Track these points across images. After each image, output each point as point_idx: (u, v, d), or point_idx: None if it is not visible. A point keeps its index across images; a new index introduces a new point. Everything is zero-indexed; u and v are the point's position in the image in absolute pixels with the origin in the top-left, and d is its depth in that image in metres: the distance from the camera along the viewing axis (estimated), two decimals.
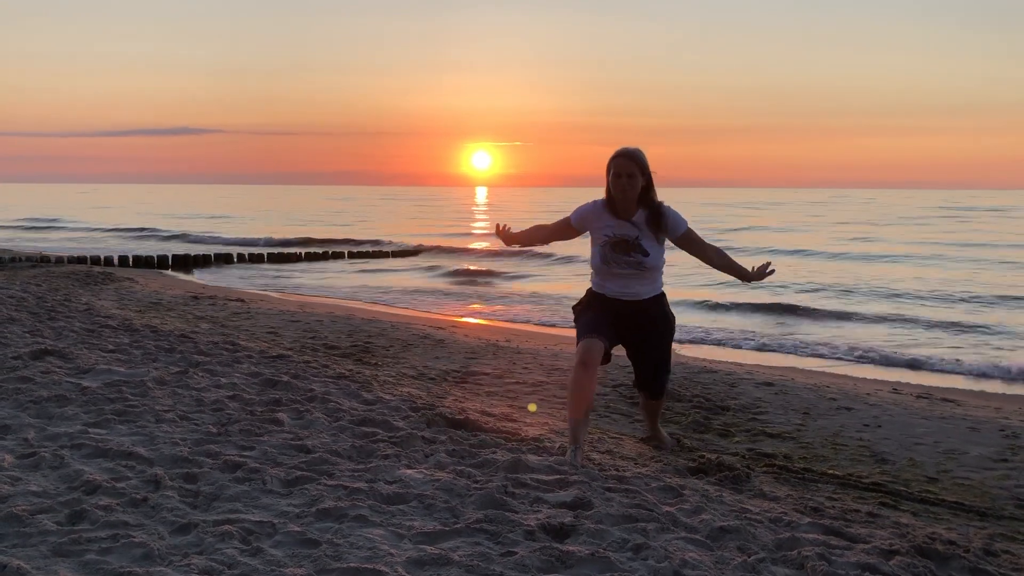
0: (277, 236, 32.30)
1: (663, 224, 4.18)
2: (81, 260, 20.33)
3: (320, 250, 26.34)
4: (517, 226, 4.65)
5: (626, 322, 4.32)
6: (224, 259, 23.24)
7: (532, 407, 5.76)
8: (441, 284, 18.89)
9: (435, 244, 29.88)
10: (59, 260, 19.53)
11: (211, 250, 25.06)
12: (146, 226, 38.45)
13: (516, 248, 4.70)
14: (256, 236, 32.65)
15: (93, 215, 50.52)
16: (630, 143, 4.60)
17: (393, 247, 28.54)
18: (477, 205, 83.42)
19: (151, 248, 27.22)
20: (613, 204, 4.19)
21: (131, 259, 21.51)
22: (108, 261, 21.07)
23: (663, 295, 4.39)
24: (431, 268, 22.46)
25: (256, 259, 23.69)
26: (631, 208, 4.17)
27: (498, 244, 12.77)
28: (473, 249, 28.42)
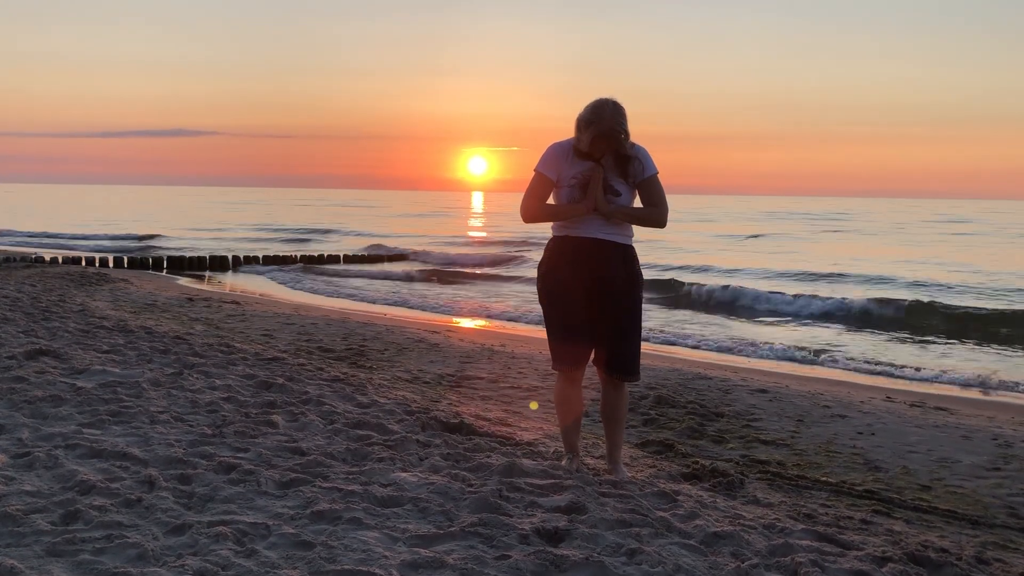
0: None
1: (630, 168, 3.91)
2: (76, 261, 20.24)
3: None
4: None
5: (593, 276, 3.90)
6: None
7: (534, 405, 5.80)
8: None
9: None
10: (53, 260, 19.51)
11: None
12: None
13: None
14: None
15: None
16: None
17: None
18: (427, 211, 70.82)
19: None
20: (581, 149, 3.90)
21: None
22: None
23: (633, 249, 3.99)
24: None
25: None
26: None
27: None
28: None
